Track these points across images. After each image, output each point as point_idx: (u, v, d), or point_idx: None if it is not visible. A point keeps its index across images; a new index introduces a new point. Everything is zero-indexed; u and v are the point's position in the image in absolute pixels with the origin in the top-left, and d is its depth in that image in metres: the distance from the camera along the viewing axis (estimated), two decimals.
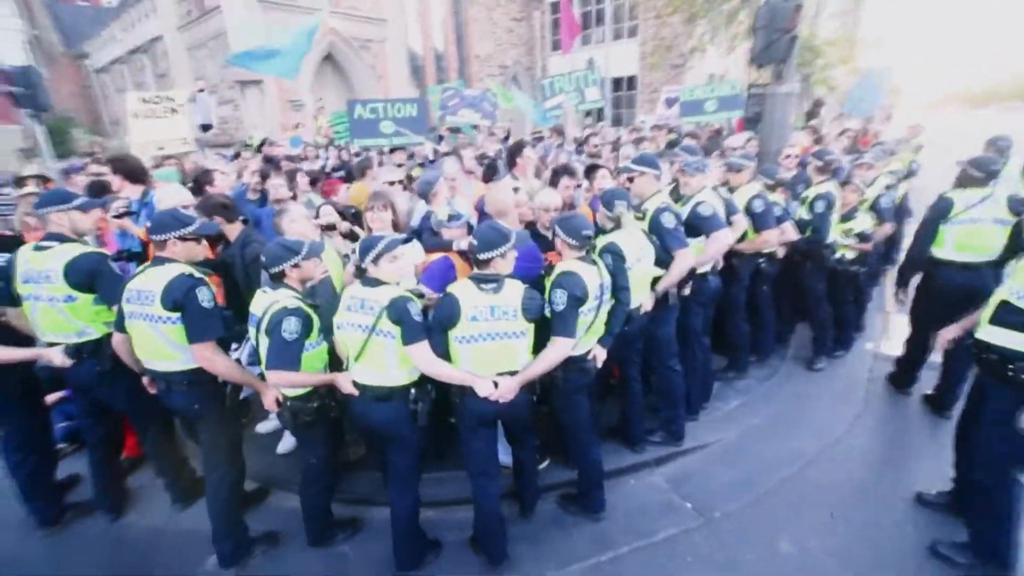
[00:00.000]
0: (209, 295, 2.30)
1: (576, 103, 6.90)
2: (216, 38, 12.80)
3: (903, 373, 3.96)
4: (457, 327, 2.18)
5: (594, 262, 2.49)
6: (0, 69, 5.82)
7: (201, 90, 9.83)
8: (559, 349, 2.30)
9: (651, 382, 3.37)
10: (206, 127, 10.44)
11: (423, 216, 3.35)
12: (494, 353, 2.23)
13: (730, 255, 3.70)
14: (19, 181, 4.66)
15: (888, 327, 4.87)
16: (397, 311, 2.16)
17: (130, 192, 3.73)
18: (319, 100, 13.52)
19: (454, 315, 2.17)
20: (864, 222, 4.18)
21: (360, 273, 2.27)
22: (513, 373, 2.28)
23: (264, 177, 3.94)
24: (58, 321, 2.49)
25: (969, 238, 3.22)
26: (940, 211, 3.28)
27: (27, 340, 2.66)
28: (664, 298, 3.03)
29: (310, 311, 2.31)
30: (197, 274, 2.33)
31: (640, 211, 3.09)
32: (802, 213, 4.11)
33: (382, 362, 2.25)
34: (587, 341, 2.52)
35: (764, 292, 4.22)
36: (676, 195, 3.56)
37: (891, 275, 5.14)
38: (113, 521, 3.00)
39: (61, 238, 2.51)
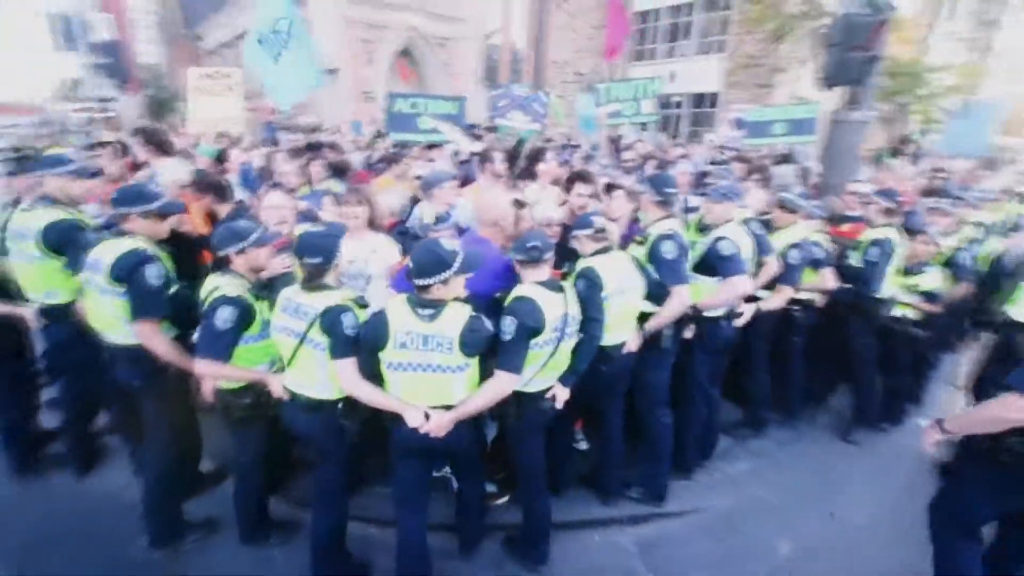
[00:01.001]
0: (157, 272, 2.25)
1: (630, 114, 6.51)
2: None
3: None
4: (385, 351, 1.97)
5: (560, 288, 2.20)
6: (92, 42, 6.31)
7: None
8: (500, 385, 2.03)
9: (637, 430, 3.00)
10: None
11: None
12: (425, 385, 1.99)
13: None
14: (92, 147, 4.97)
15: (953, 405, 4.12)
16: (329, 321, 1.99)
17: (160, 164, 3.85)
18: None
19: (381, 337, 1.94)
20: (933, 279, 3.53)
21: (309, 276, 2.10)
22: (450, 407, 2.03)
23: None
24: (31, 280, 2.57)
25: None
26: (1003, 267, 3.14)
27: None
28: (655, 339, 2.66)
29: (253, 302, 2.20)
30: (151, 251, 2.29)
31: (642, 236, 2.75)
32: (855, 259, 3.55)
33: (312, 372, 2.09)
34: (545, 377, 2.23)
35: (795, 343, 3.69)
36: (701, 224, 3.16)
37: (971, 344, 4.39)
38: (78, 478, 3.07)
39: (50, 201, 2.58)
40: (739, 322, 2.99)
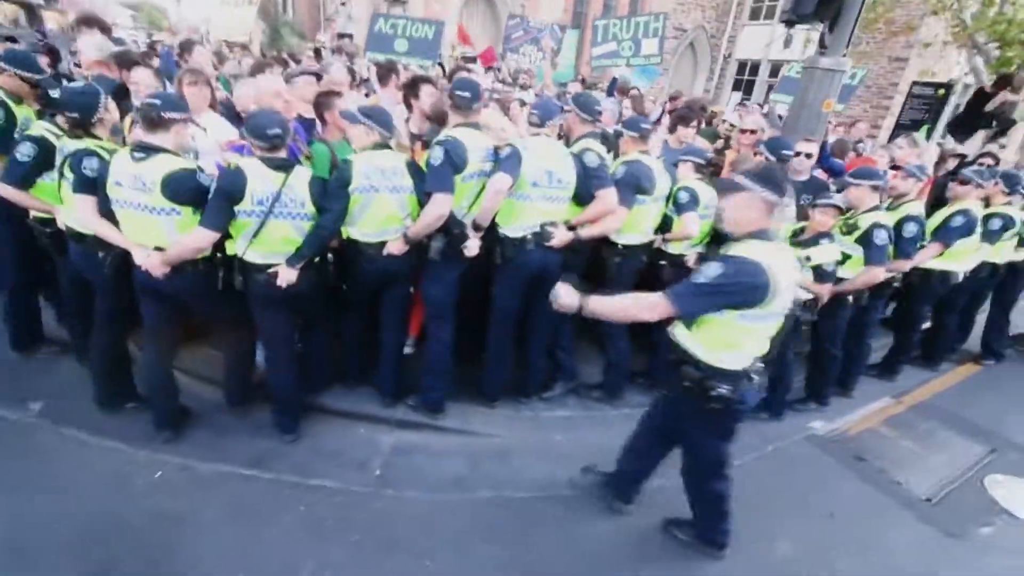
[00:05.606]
0: None
1: (628, 55, 5.97)
2: None
3: None
4: (108, 188, 2.22)
5: (284, 169, 2.27)
6: None
7: (343, 3, 10.84)
8: (193, 236, 2.21)
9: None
10: (342, 35, 11.61)
11: None
12: (139, 223, 2.23)
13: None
14: None
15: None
16: (74, 161, 2.28)
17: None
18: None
19: (103, 176, 2.21)
20: (827, 253, 2.98)
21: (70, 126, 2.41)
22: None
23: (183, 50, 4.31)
24: None
25: None
26: None
27: None
28: (422, 248, 2.63)
29: (54, 144, 2.54)
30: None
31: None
32: None
33: (71, 207, 2.41)
34: (262, 251, 2.34)
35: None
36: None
37: None
38: None
39: None
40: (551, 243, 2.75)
